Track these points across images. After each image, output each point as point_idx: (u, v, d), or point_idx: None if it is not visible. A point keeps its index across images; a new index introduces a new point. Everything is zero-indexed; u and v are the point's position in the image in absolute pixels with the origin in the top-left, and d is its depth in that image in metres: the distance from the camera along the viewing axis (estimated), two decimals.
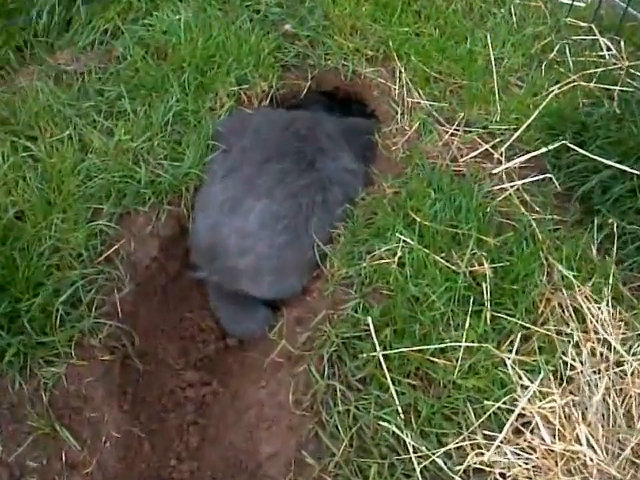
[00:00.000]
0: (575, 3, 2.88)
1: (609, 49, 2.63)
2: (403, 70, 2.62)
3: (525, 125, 2.30)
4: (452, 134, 2.40)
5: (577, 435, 1.64)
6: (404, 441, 1.66)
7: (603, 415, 1.69)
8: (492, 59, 2.56)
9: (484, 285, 1.86)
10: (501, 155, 2.29)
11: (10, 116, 2.34)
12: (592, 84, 2.46)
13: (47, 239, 2.01)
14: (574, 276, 1.92)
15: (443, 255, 1.95)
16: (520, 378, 1.74)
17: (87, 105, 2.42)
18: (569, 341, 1.82)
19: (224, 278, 2.23)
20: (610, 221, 2.05)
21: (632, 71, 2.50)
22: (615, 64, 2.54)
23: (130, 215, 2.19)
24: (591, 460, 1.59)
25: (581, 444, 1.62)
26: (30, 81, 2.49)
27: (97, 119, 2.37)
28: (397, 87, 2.59)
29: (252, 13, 2.76)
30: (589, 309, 1.87)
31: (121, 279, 2.05)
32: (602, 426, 1.66)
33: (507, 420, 1.67)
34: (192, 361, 2.23)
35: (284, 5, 2.84)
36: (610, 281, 1.93)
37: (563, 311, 1.89)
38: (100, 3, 2.75)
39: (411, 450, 1.64)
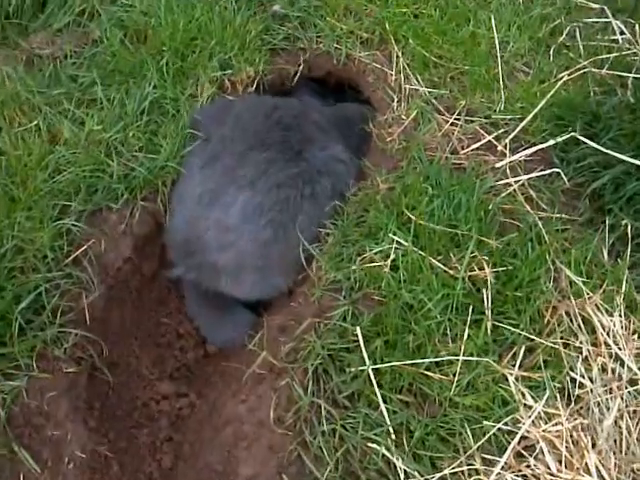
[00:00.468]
0: None
1: (622, 33, 2.55)
2: (400, 54, 2.52)
3: (531, 115, 2.21)
4: (452, 124, 2.30)
5: (586, 463, 1.55)
6: (395, 465, 1.58)
7: (615, 441, 1.60)
8: (496, 43, 2.47)
9: (485, 292, 1.78)
10: (505, 147, 2.20)
11: None
12: (604, 71, 2.38)
13: (9, 239, 1.90)
14: (583, 282, 1.83)
15: (440, 258, 1.86)
16: (523, 396, 1.65)
17: (58, 92, 2.31)
18: (578, 355, 1.73)
19: (202, 276, 2.10)
20: (623, 221, 1.97)
21: None
22: (629, 49, 2.46)
23: (101, 212, 2.08)
24: None
25: (590, 474, 1.53)
26: None
27: (68, 107, 2.26)
28: (394, 73, 2.49)
29: None
30: (600, 320, 1.78)
31: (90, 283, 1.94)
32: (614, 453, 1.58)
33: (509, 443, 1.58)
34: (168, 371, 2.12)
35: None
36: (623, 288, 1.83)
37: (571, 321, 1.79)
38: None
39: (402, 475, 1.56)
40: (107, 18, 2.53)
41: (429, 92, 2.40)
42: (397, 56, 2.51)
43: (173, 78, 2.37)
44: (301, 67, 2.58)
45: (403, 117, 2.34)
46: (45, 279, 1.86)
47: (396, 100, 2.41)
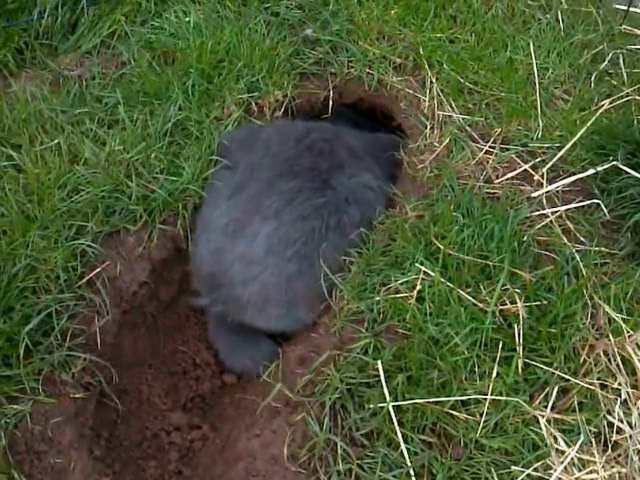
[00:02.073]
0: (632, 9, 2.72)
1: None
2: (434, 80, 2.47)
3: (570, 143, 2.17)
4: (487, 152, 2.25)
5: None
6: None
7: None
8: (535, 69, 2.43)
9: (516, 327, 1.71)
10: (542, 177, 2.15)
11: None
12: None
13: (23, 258, 1.87)
14: (623, 320, 1.76)
15: (469, 290, 1.81)
16: (555, 440, 1.60)
17: (81, 112, 2.30)
18: (616, 398, 1.67)
19: (228, 309, 2.07)
20: None
21: None
22: None
23: (118, 234, 2.05)
24: None
25: None
26: (23, 85, 2.37)
27: (91, 127, 2.25)
28: (427, 99, 2.44)
29: (269, 16, 2.62)
30: None
31: (103, 306, 1.90)
32: None
33: None
34: (182, 401, 2.06)
35: (305, 8, 2.69)
36: None
37: (609, 361, 1.73)
38: (107, 4, 2.64)
39: None
40: (135, 40, 2.52)
41: (463, 119, 2.35)
42: (431, 82, 2.46)
43: (198, 100, 2.34)
44: (331, 92, 2.54)
45: (436, 144, 2.29)
46: (56, 300, 1.83)
47: (429, 127, 2.36)
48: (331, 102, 2.53)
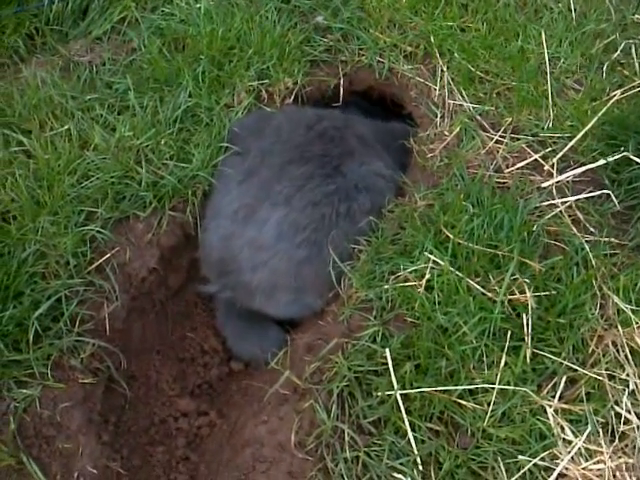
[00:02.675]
0: None
1: None
2: (445, 69, 2.45)
3: (581, 133, 2.16)
4: (497, 141, 2.23)
5: None
6: None
7: None
8: (546, 58, 2.39)
9: (525, 317, 1.71)
10: (552, 167, 2.13)
11: (6, 107, 2.20)
12: None
13: (32, 243, 1.88)
14: (632, 310, 1.75)
15: (478, 280, 1.80)
16: (563, 430, 1.59)
17: (92, 98, 2.28)
18: (624, 389, 1.66)
19: (237, 295, 2.07)
20: None
21: None
22: None
23: (128, 221, 2.04)
24: None
25: None
26: (33, 71, 2.36)
27: (101, 113, 2.23)
28: (437, 87, 2.42)
29: (280, 3, 2.59)
30: None
31: (112, 292, 1.90)
32: None
33: None
34: (189, 387, 2.06)
35: None
36: None
37: (618, 352, 1.72)
38: None
39: None
40: (146, 26, 2.50)
41: (474, 108, 2.33)
42: (442, 70, 2.44)
43: (209, 87, 2.33)
44: (342, 80, 2.52)
45: (446, 133, 2.28)
46: (65, 286, 1.82)
47: (439, 116, 2.35)
48: (342, 90, 2.51)
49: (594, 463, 1.53)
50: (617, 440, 1.58)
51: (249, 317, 2.09)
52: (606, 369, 1.68)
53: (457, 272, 1.79)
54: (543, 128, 2.25)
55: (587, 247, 1.88)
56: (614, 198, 2.02)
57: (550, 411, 1.60)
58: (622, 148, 2.09)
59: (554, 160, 2.13)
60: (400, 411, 1.60)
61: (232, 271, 2.03)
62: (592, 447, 1.56)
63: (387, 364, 1.65)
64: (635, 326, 1.72)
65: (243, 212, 2.04)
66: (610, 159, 2.07)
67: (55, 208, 1.96)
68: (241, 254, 2.01)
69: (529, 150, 2.19)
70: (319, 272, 2.00)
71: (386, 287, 1.83)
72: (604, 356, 1.70)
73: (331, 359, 1.72)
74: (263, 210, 2.02)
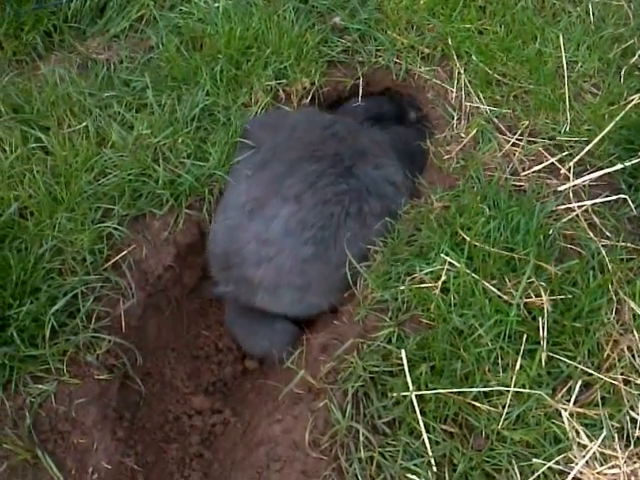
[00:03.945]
0: None
1: None
2: (462, 71, 2.43)
3: (598, 138, 2.13)
4: (514, 144, 2.22)
5: None
6: None
7: None
8: (564, 62, 2.36)
9: (540, 320, 1.70)
10: (569, 170, 2.12)
11: (24, 104, 2.21)
12: None
13: (49, 240, 1.89)
14: None
15: (494, 282, 1.79)
16: (577, 434, 1.59)
17: (110, 95, 2.30)
18: (639, 394, 1.65)
19: (239, 290, 2.04)
20: None
21: None
22: None
23: (144, 218, 2.05)
24: None
25: None
26: (51, 68, 2.37)
27: (118, 111, 2.24)
28: (454, 89, 2.41)
29: (298, 3, 2.58)
30: None
31: (128, 289, 1.91)
32: None
33: None
34: (204, 385, 2.06)
35: None
36: None
37: (633, 356, 1.71)
38: None
39: None
40: (164, 25, 2.51)
41: (490, 110, 2.32)
42: (459, 72, 2.43)
43: (226, 86, 2.33)
44: (359, 81, 2.51)
45: (462, 135, 2.27)
46: (82, 282, 1.84)
47: (456, 118, 2.34)
48: (360, 91, 2.50)
49: (609, 468, 1.52)
50: (632, 445, 1.57)
51: (255, 313, 2.07)
52: (621, 374, 1.66)
53: (473, 274, 1.78)
54: (560, 132, 2.23)
55: (603, 251, 1.86)
56: (631, 203, 2.00)
57: (565, 415, 1.59)
58: (639, 153, 2.08)
59: (571, 164, 2.12)
60: (415, 412, 1.59)
61: (235, 264, 2.01)
62: (607, 452, 1.55)
63: (402, 365, 1.65)
64: None
65: (251, 205, 2.02)
66: (627, 163, 2.06)
67: (72, 205, 1.97)
68: (246, 248, 1.99)
69: (546, 153, 2.17)
70: (324, 271, 1.99)
71: (402, 288, 1.82)
72: (619, 361, 1.69)
73: (346, 359, 1.72)
74: (272, 205, 2.00)
